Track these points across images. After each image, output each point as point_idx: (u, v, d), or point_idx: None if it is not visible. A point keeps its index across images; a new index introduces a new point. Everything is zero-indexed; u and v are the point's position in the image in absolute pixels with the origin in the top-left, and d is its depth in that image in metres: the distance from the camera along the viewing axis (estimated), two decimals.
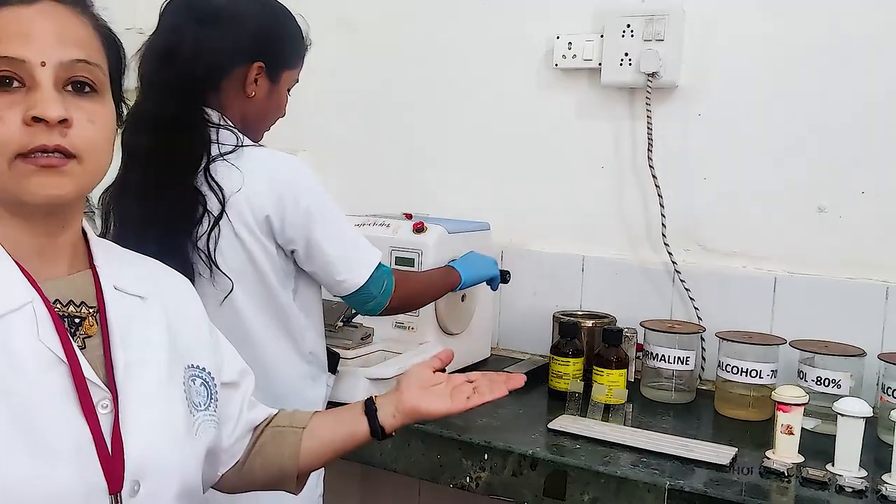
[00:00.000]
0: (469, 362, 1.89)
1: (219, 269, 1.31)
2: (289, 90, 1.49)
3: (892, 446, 1.26)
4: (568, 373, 1.66)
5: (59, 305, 0.85)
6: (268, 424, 1.10)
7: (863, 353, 1.55)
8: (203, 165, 1.30)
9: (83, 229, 0.92)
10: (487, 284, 1.78)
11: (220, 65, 1.37)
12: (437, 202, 2.07)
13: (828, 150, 1.73)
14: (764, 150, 1.79)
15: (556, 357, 1.69)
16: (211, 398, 0.97)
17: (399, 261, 1.75)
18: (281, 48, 1.43)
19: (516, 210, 2.06)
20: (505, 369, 1.80)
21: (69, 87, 0.82)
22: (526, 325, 2.01)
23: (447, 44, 2.12)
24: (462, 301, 1.80)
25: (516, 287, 2.05)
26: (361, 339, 1.70)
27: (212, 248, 1.30)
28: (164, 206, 1.30)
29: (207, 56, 1.34)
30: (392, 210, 1.93)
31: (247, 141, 1.37)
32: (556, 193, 2.02)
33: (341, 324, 1.68)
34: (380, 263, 1.43)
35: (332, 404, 1.52)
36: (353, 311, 1.73)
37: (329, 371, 1.51)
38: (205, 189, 1.30)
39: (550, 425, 1.48)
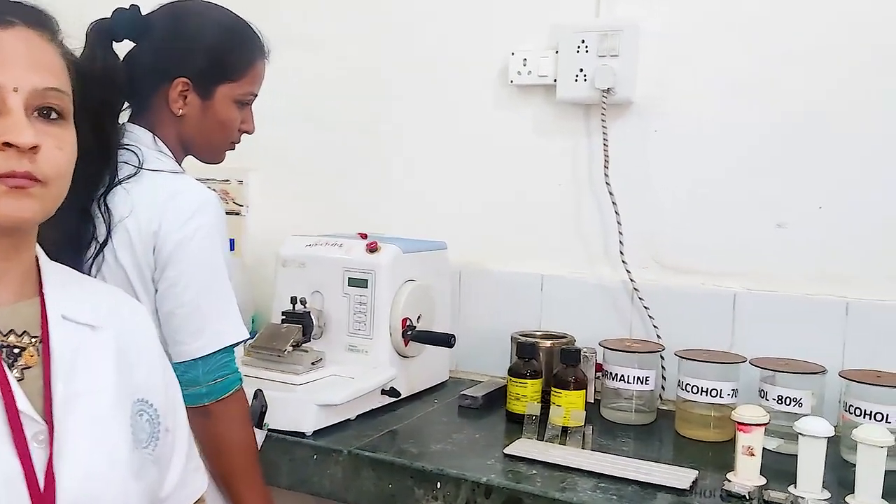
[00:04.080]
0: (426, 385, 1.84)
1: None
2: (245, 104, 1.42)
3: (855, 466, 1.23)
4: (526, 395, 1.61)
5: None
6: None
7: (824, 371, 1.53)
8: (102, 191, 1.24)
9: (36, 256, 0.91)
10: None
11: (138, 85, 1.31)
12: (393, 222, 2.02)
13: (785, 166, 1.72)
14: (721, 166, 1.77)
15: (513, 379, 1.64)
16: (153, 437, 0.93)
17: (352, 282, 1.70)
18: (208, 62, 1.35)
19: (473, 229, 2.02)
20: (463, 392, 1.75)
21: (36, 113, 0.82)
22: (484, 346, 1.96)
23: (402, 62, 2.09)
24: (418, 322, 1.74)
25: (474, 308, 2.01)
26: (312, 363, 1.63)
27: (93, 274, 1.24)
28: (56, 231, 1.24)
29: (119, 78, 1.28)
30: (347, 231, 1.87)
31: (152, 164, 1.30)
32: (514, 212, 1.99)
33: (290, 349, 1.62)
34: (230, 349, 1.29)
35: (280, 434, 1.47)
36: (305, 337, 1.68)
37: (255, 426, 1.39)
38: (97, 215, 1.24)
39: (507, 450, 1.43)
